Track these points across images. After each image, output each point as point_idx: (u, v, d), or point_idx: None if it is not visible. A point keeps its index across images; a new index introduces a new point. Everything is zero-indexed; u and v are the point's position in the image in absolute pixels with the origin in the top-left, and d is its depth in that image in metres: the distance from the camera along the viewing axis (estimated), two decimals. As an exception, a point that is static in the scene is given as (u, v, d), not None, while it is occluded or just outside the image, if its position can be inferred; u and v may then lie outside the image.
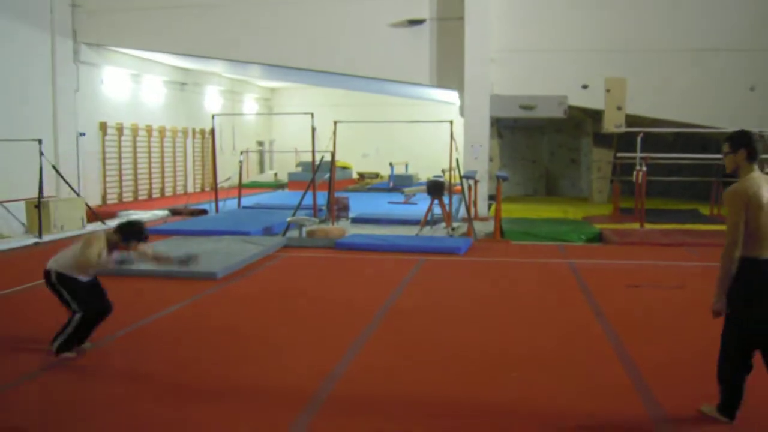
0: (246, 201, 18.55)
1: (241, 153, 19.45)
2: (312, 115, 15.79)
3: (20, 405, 4.76)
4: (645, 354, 5.81)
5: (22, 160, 13.94)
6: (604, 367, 5.52)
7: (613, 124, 16.53)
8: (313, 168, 15.21)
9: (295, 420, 4.40)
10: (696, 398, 4.67)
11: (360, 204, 18.21)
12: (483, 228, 13.98)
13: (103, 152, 18.90)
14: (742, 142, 4.44)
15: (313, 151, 15.52)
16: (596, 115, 17.87)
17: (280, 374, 5.33)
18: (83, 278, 5.79)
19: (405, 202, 19.80)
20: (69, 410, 4.63)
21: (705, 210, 17.12)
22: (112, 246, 5.78)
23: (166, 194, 22.03)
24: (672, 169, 18.11)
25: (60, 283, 5.71)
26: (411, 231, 13.65)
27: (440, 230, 13.96)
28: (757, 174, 4.35)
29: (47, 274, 5.75)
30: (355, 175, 29.74)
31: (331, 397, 4.84)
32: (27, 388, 5.07)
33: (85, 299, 5.73)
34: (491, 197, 16.59)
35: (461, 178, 14.30)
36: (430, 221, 14.14)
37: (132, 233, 5.80)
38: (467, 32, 16.49)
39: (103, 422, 4.43)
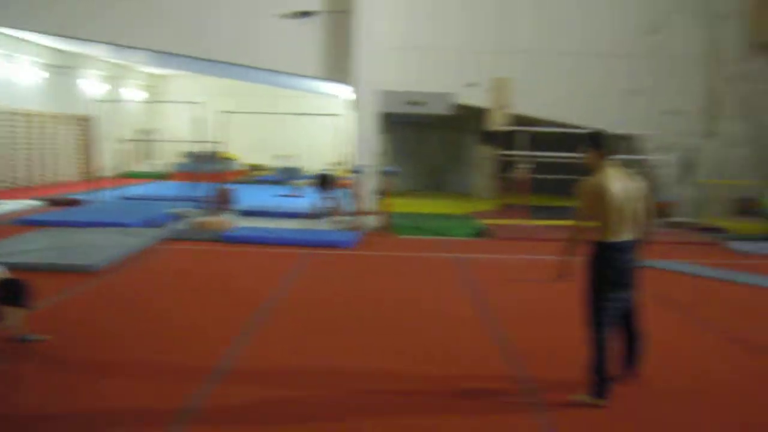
0: (128, 191, 17.86)
1: (123, 142, 18.68)
2: (198, 104, 15.36)
3: None
4: (523, 342, 5.97)
5: None
6: (484, 355, 5.63)
7: (498, 122, 16.98)
8: (200, 158, 14.79)
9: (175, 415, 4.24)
10: (571, 383, 4.81)
11: (247, 196, 17.88)
12: (371, 222, 14.03)
13: (-29, 137, 17.74)
14: (596, 142, 5.10)
15: (199, 141, 15.09)
16: (482, 113, 18.28)
17: (161, 371, 5.12)
18: None
19: (293, 195, 19.61)
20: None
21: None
22: None
23: (42, 183, 20.89)
24: (555, 166, 18.72)
25: None
26: (299, 224, 13.52)
27: (328, 223, 13.90)
28: (610, 170, 4.95)
29: None
30: (242, 167, 29.22)
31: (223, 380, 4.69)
32: None
33: None
34: (380, 192, 16.67)
35: (351, 171, 14.27)
36: (318, 215, 14.05)
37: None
38: (357, 26, 16.47)
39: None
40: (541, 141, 18.59)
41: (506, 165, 18.27)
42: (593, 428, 4.43)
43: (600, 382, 4.72)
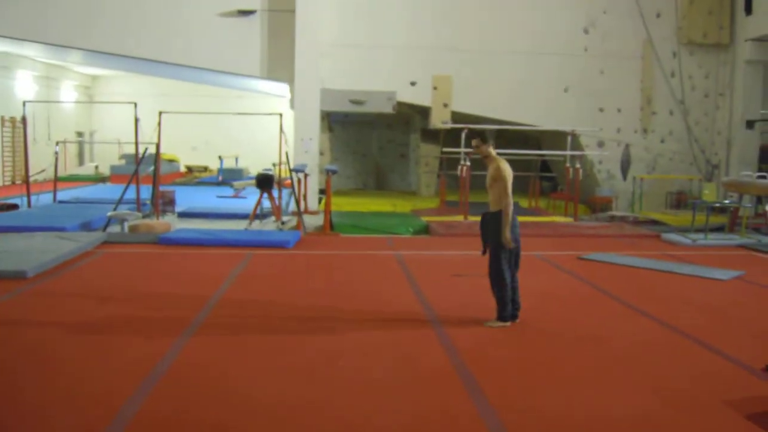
0: (63, 195, 17.45)
1: (57, 144, 18.24)
2: (135, 104, 15.06)
3: None
4: (461, 336, 6.06)
5: None
6: (426, 349, 5.68)
7: (439, 120, 17.13)
8: (137, 160, 14.52)
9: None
10: (505, 364, 4.88)
11: (187, 198, 17.66)
12: (313, 221, 14.00)
13: None
14: (484, 136, 6.82)
15: (137, 143, 14.81)
16: (424, 112, 18.40)
17: (97, 374, 5.02)
18: None
19: (234, 196, 19.42)
20: None
21: (524, 203, 18.10)
22: None
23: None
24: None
25: None
26: (240, 225, 13.41)
27: (270, 224, 13.81)
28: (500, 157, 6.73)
29: None
30: (183, 169, 28.82)
31: (147, 401, 4.61)
32: None
33: None
34: (321, 191, 16.64)
35: (291, 171, 14.21)
36: (259, 215, 13.95)
37: None
38: (297, 24, 16.42)
39: None
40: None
41: (448, 162, 18.43)
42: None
43: (503, 310, 6.53)
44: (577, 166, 15.80)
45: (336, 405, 4.57)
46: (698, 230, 13.11)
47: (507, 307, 6.56)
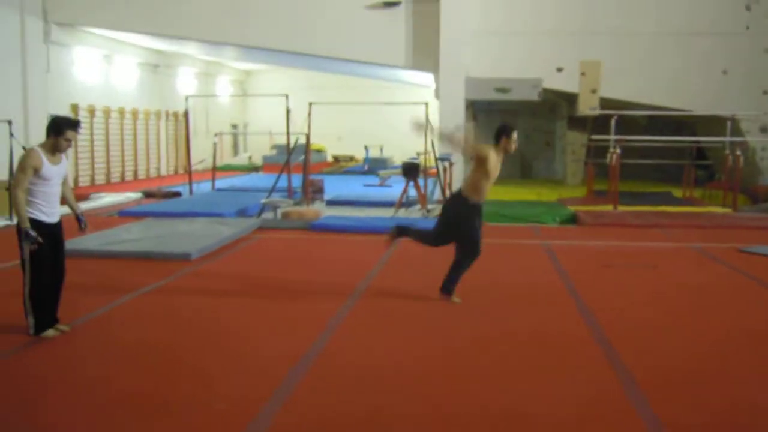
0: (220, 183, 18.42)
1: (215, 135, 19.28)
2: (287, 97, 15.68)
3: (-9, 385, 4.71)
4: (613, 323, 5.92)
5: (-8, 141, 13.71)
6: (580, 345, 5.60)
7: (587, 107, 16.64)
8: (288, 150, 15.12)
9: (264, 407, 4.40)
10: (661, 362, 4.74)
11: (335, 186, 18.17)
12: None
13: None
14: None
15: (288, 134, 15.42)
16: (571, 98, 17.96)
17: (253, 356, 5.32)
18: (44, 218, 5.55)
19: (380, 185, 19.78)
20: (41, 390, 4.58)
21: (678, 192, 17.31)
22: (54, 149, 5.55)
23: (140, 177, 21.82)
24: (645, 151, 18.26)
25: (18, 234, 5.48)
26: (386, 213, 13.65)
27: (415, 212, 13.98)
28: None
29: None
30: (330, 158, 29.65)
31: (307, 374, 4.84)
32: (-2, 368, 5.02)
33: (39, 261, 5.52)
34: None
35: (436, 160, 14.30)
36: (405, 203, 14.15)
37: (62, 123, 5.55)
38: (442, 14, 16.45)
39: (78, 402, 4.40)
40: (630, 125, 18.15)
41: (596, 150, 17.92)
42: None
43: (450, 284, 6.88)
44: (738, 153, 14.89)
45: (483, 392, 4.62)
46: None
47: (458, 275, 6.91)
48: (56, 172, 5.58)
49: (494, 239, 11.02)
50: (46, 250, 5.53)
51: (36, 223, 5.47)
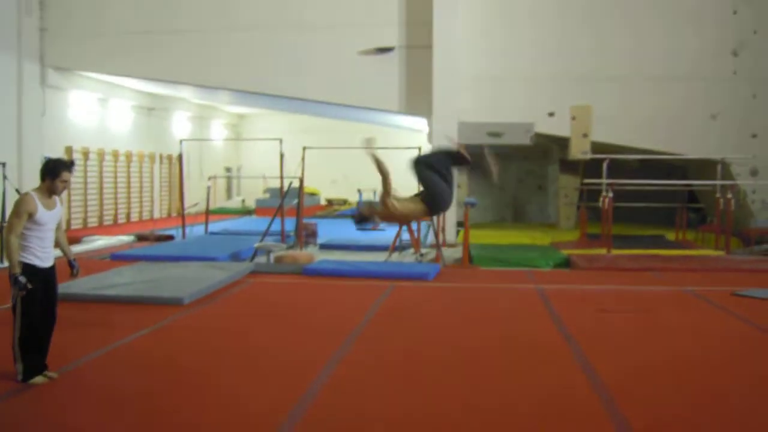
0: (213, 227, 18.39)
1: (209, 179, 19.32)
2: (280, 141, 15.77)
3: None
4: (612, 373, 5.85)
5: (-15, 184, 13.69)
6: (572, 386, 5.54)
7: (579, 151, 16.76)
8: (282, 194, 15.15)
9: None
10: (661, 412, 4.68)
11: (328, 230, 18.15)
12: (451, 254, 14.02)
13: (68, 177, 18.64)
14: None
15: (282, 177, 15.46)
16: (562, 142, 18.09)
17: (246, 403, 5.25)
18: (38, 263, 5.52)
19: (373, 229, 19.70)
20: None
21: (671, 235, 17.37)
22: (51, 192, 5.56)
23: (132, 219, 21.79)
24: (637, 195, 18.35)
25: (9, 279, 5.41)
26: (380, 257, 13.64)
27: (409, 256, 13.96)
28: None
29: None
30: (323, 202, 29.70)
31: (303, 419, 4.77)
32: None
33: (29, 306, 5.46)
34: (459, 223, 16.64)
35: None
36: (398, 247, 14.14)
37: (57, 165, 5.56)
38: (435, 59, 16.66)
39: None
40: (622, 168, 18.26)
41: (588, 194, 18.00)
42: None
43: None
44: (729, 196, 14.98)
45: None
46: None
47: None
48: (51, 216, 5.57)
49: (488, 283, 11.01)
50: (38, 295, 5.48)
51: (30, 268, 5.44)
